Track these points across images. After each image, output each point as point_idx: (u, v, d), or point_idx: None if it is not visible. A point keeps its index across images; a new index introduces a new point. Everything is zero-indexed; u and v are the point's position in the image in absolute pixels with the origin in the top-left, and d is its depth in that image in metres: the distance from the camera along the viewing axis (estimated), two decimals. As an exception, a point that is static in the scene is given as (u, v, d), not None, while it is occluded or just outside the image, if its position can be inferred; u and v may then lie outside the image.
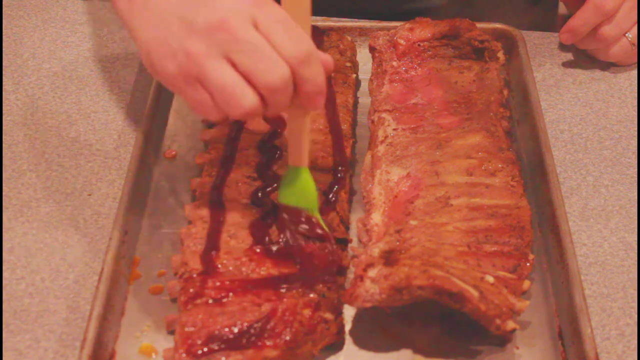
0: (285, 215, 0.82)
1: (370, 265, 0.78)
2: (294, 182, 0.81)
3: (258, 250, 0.81)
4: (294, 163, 0.81)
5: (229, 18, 0.72)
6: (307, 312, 0.77)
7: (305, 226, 0.82)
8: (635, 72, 1.10)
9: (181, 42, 0.73)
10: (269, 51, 0.72)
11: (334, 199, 0.87)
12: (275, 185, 0.87)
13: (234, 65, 0.72)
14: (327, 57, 0.77)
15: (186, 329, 0.75)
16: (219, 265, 0.80)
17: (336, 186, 0.88)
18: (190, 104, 0.76)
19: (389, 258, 0.79)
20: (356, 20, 1.13)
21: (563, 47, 1.14)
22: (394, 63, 1.02)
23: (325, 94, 0.76)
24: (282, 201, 0.83)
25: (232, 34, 0.72)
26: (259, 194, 0.87)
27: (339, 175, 0.89)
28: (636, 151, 1.00)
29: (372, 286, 0.77)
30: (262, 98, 0.73)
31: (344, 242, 0.85)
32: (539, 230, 0.90)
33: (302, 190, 0.82)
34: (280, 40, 0.72)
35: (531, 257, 0.82)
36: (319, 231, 0.82)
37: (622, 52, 1.07)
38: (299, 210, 0.82)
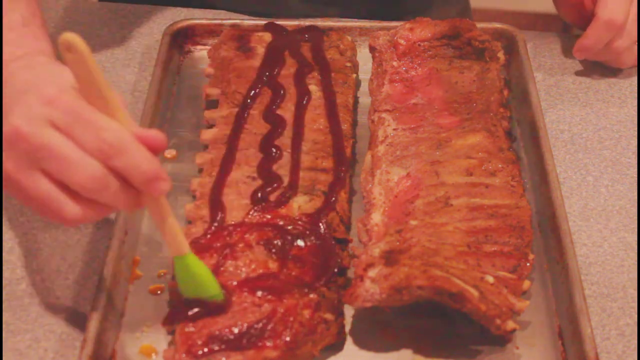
0: (194, 311, 0.76)
1: (370, 265, 0.78)
2: (185, 273, 0.75)
3: (258, 249, 0.81)
4: (175, 254, 0.75)
5: (21, 126, 0.67)
6: (307, 313, 0.77)
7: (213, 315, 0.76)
8: (635, 72, 1.10)
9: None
10: (70, 151, 0.66)
11: (334, 199, 0.87)
12: (276, 185, 0.88)
13: (48, 174, 0.67)
14: (152, 134, 0.69)
15: (186, 329, 0.75)
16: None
17: (336, 186, 0.88)
18: (37, 215, 0.72)
19: (389, 258, 0.79)
20: (356, 20, 1.13)
21: (563, 47, 1.14)
22: (394, 63, 1.02)
23: (164, 176, 0.69)
24: (185, 295, 0.77)
25: (28, 142, 0.66)
26: (259, 194, 0.87)
27: (339, 175, 0.89)
28: (636, 151, 1.00)
29: (372, 286, 0.77)
30: (91, 201, 0.68)
31: (344, 242, 0.85)
32: (539, 230, 0.90)
33: (197, 279, 0.76)
34: (80, 135, 0.66)
35: (531, 257, 0.82)
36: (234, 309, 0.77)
37: (633, 58, 1.08)
38: (207, 302, 0.76)
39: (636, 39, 1.06)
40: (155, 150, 0.69)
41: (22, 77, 0.72)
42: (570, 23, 1.14)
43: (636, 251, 0.89)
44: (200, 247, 0.81)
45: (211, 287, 0.76)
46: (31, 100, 0.68)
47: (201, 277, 0.76)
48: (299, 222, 0.84)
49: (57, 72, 0.71)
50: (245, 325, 0.75)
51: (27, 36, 0.79)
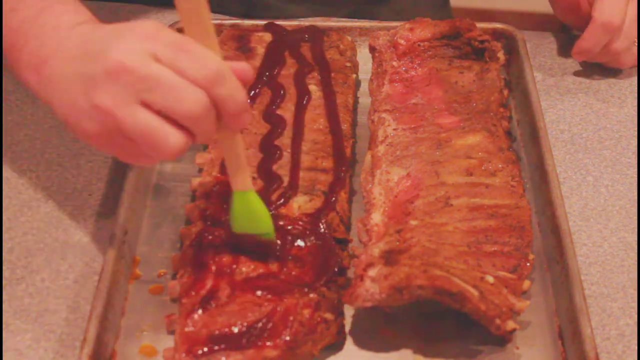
0: (243, 245, 0.79)
1: (370, 265, 0.78)
2: (243, 208, 0.77)
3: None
4: (237, 188, 0.76)
5: (125, 60, 0.68)
6: (307, 312, 0.77)
7: (264, 251, 0.79)
8: (635, 72, 1.10)
9: (89, 100, 0.69)
10: (177, 81, 0.68)
11: (334, 199, 0.87)
12: (276, 185, 0.88)
13: (148, 106, 0.68)
14: (242, 66, 0.72)
15: (186, 329, 0.75)
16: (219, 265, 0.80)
17: (336, 186, 0.88)
18: (122, 158, 0.73)
19: (389, 258, 0.79)
20: (356, 20, 1.13)
21: (563, 47, 1.14)
22: (394, 63, 1.02)
23: (250, 109, 0.71)
24: (236, 230, 0.79)
25: (133, 74, 0.67)
26: (259, 194, 0.86)
27: (339, 175, 0.89)
28: (636, 151, 1.00)
29: (372, 286, 0.77)
30: (187, 131, 0.69)
31: (344, 243, 0.85)
32: (539, 230, 0.90)
33: (254, 216, 0.78)
34: (185, 65, 0.68)
35: (531, 257, 0.82)
36: (278, 254, 0.79)
37: (633, 59, 1.08)
38: (255, 238, 0.79)
39: (634, 39, 1.06)
40: (245, 82, 0.71)
41: (107, 28, 0.73)
42: (567, 24, 1.14)
43: (636, 251, 0.89)
44: (200, 245, 0.81)
45: (266, 225, 0.78)
46: (130, 37, 0.69)
47: (260, 214, 0.77)
48: (299, 222, 0.84)
49: (144, 21, 0.72)
50: (245, 324, 0.75)
51: (82, 8, 0.80)
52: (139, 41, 0.69)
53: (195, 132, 0.70)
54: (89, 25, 0.75)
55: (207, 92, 0.68)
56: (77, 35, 0.74)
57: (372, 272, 0.78)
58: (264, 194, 0.86)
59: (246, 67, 0.72)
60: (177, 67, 0.68)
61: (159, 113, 0.68)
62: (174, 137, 0.69)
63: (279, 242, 0.79)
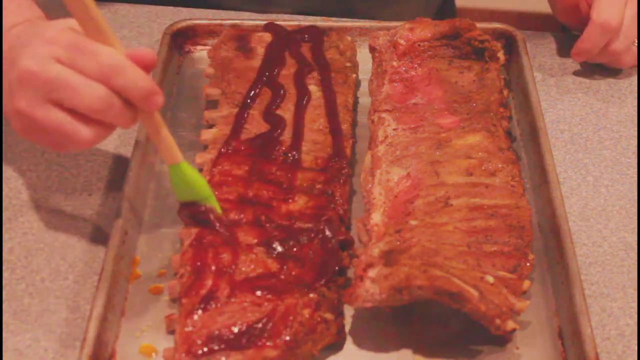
0: (186, 211, 0.84)
1: (370, 265, 0.78)
2: (180, 179, 0.82)
3: (258, 249, 0.81)
4: (170, 162, 0.82)
5: (30, 66, 0.75)
6: (307, 312, 0.77)
7: (204, 216, 0.83)
8: (635, 72, 1.10)
9: (11, 102, 0.77)
10: (76, 79, 0.74)
11: (334, 199, 0.87)
12: (276, 185, 0.87)
13: (58, 105, 0.75)
14: (141, 52, 0.77)
15: (186, 329, 0.75)
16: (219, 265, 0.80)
17: (336, 186, 0.88)
18: (47, 148, 0.83)
19: (389, 258, 0.79)
20: (356, 20, 1.13)
21: (563, 47, 1.14)
22: (394, 63, 1.02)
23: (158, 90, 0.76)
24: (181, 199, 0.84)
25: (39, 79, 0.74)
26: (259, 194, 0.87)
27: (339, 175, 0.89)
28: (636, 151, 1.00)
29: (372, 286, 0.77)
30: (99, 122, 0.76)
31: (348, 245, 0.84)
32: (539, 230, 0.90)
33: (191, 184, 0.83)
34: (82, 64, 0.74)
35: (531, 257, 0.82)
36: (213, 216, 0.83)
37: (633, 59, 1.08)
38: (197, 204, 0.83)
39: (634, 39, 1.06)
40: (147, 67, 0.76)
41: (25, 33, 0.81)
42: (567, 25, 1.14)
43: (636, 251, 0.89)
44: (200, 245, 0.81)
45: (203, 191, 0.83)
46: (35, 44, 0.76)
47: (194, 181, 0.82)
48: (299, 222, 0.84)
49: (55, 22, 0.79)
50: (245, 324, 0.75)
51: (24, 6, 0.88)
52: (43, 46, 0.75)
53: (107, 121, 0.76)
54: (19, 29, 0.82)
55: (106, 84, 0.74)
56: (7, 40, 0.82)
57: (372, 273, 0.78)
58: (264, 194, 0.86)
59: (146, 52, 0.77)
60: (76, 66, 0.74)
61: (68, 111, 0.75)
62: (84, 131, 0.76)
63: (219, 210, 0.84)
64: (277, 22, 1.08)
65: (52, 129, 0.76)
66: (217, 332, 0.75)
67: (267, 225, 0.83)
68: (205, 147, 0.94)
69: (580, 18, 1.08)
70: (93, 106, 0.74)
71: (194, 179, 0.83)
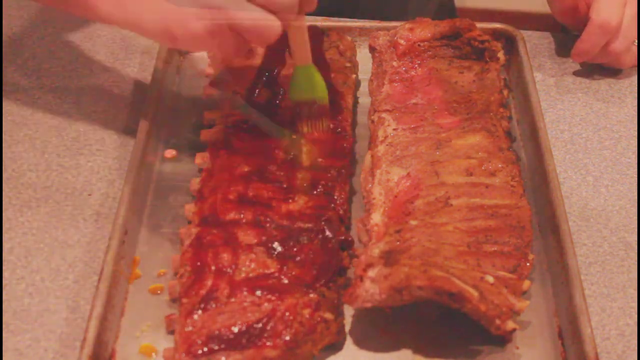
0: (298, 109, 0.92)
1: (370, 265, 0.78)
2: (303, 79, 0.90)
3: (258, 249, 0.81)
4: (300, 62, 0.89)
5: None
6: (307, 312, 0.77)
7: (316, 115, 0.92)
8: (635, 72, 1.10)
9: (199, 3, 0.81)
10: None
11: (334, 198, 0.87)
12: (276, 185, 0.87)
13: (252, 1, 0.81)
14: None
15: (186, 329, 0.75)
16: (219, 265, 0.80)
17: (336, 186, 0.88)
18: (223, 51, 0.85)
19: (389, 258, 0.79)
20: (356, 20, 1.13)
21: (563, 47, 1.14)
22: (394, 63, 1.02)
23: None
24: (294, 98, 0.92)
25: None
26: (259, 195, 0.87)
27: (339, 175, 0.89)
28: (636, 151, 1.00)
29: (372, 286, 0.77)
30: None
31: (348, 246, 0.84)
32: (539, 230, 0.90)
33: (312, 84, 0.91)
34: None
35: (531, 257, 0.82)
36: (325, 121, 0.92)
37: (633, 59, 1.08)
38: (310, 101, 0.91)
39: (633, 40, 1.05)
40: None
41: None
42: (566, 25, 1.14)
43: (636, 251, 0.89)
44: (200, 245, 0.81)
45: (322, 92, 0.92)
46: None
47: (318, 82, 0.91)
48: (299, 222, 0.84)
49: None
50: (245, 324, 0.75)
51: None
52: None
53: (283, 19, 0.83)
54: None
55: None
56: None
57: (371, 273, 0.78)
58: (264, 194, 0.86)
59: None
60: None
61: (261, 6, 0.81)
62: (276, 24, 0.82)
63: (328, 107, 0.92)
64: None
65: (249, 23, 0.81)
66: (217, 332, 0.75)
67: (267, 225, 0.83)
68: (205, 147, 0.94)
69: (579, 19, 1.08)
70: (287, 3, 0.82)
71: (318, 81, 0.91)
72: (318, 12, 1.10)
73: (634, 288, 0.85)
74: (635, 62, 1.09)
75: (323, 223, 0.84)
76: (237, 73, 1.01)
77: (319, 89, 0.92)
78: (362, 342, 0.80)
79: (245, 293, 0.78)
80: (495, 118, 0.95)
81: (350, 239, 0.85)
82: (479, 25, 1.04)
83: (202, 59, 1.08)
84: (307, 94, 0.92)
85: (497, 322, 0.76)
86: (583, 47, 1.05)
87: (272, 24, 0.82)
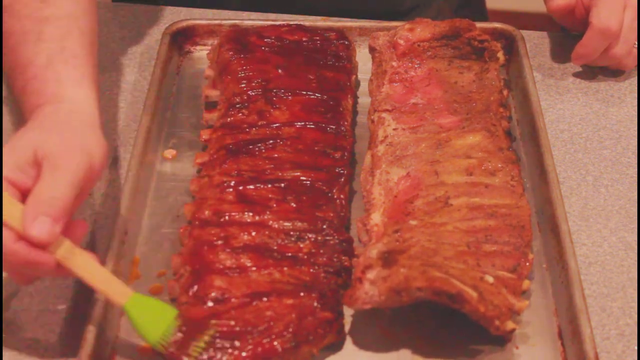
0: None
1: (368, 267, 0.78)
2: (143, 314, 0.74)
3: (258, 249, 0.81)
4: (124, 302, 0.74)
5: None
6: (307, 312, 0.77)
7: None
8: (635, 72, 1.10)
9: None
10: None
11: (334, 199, 0.87)
12: (276, 185, 0.87)
13: None
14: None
15: (186, 329, 0.75)
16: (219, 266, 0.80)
17: (336, 186, 0.88)
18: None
19: (388, 259, 0.79)
20: (356, 20, 1.13)
21: (563, 47, 1.14)
22: (394, 63, 1.02)
23: (41, 261, 0.71)
24: (154, 344, 0.74)
25: None
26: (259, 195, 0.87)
27: (339, 175, 0.89)
28: (636, 151, 1.00)
29: (371, 288, 0.77)
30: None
31: (348, 244, 0.84)
32: (539, 230, 0.90)
33: (155, 316, 0.75)
34: None
35: (531, 256, 0.82)
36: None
37: (634, 62, 1.08)
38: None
39: (634, 43, 1.05)
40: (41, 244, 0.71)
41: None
42: (564, 26, 1.14)
43: (636, 251, 0.89)
44: (200, 245, 0.81)
45: (169, 316, 0.75)
46: None
47: (160, 311, 0.75)
48: (299, 222, 0.84)
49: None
50: (245, 324, 0.75)
51: (48, 81, 0.82)
52: None
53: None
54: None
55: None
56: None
57: (370, 275, 0.78)
58: (264, 194, 0.86)
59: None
60: None
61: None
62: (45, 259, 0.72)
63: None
64: (277, 23, 1.08)
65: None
66: (217, 333, 0.75)
67: (267, 225, 0.83)
68: (205, 147, 0.94)
69: (576, 20, 1.08)
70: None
71: (158, 308, 0.75)
72: (331, 11, 1.10)
73: (634, 288, 0.85)
74: (636, 64, 1.09)
75: (323, 223, 0.84)
76: (236, 74, 1.01)
77: (166, 319, 0.74)
78: (362, 342, 0.80)
79: (245, 293, 0.78)
80: (495, 118, 0.95)
81: (350, 239, 0.85)
82: (478, 25, 1.04)
83: (202, 59, 1.08)
84: (160, 333, 0.73)
85: (497, 322, 0.76)
86: (583, 51, 1.06)
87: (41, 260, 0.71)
